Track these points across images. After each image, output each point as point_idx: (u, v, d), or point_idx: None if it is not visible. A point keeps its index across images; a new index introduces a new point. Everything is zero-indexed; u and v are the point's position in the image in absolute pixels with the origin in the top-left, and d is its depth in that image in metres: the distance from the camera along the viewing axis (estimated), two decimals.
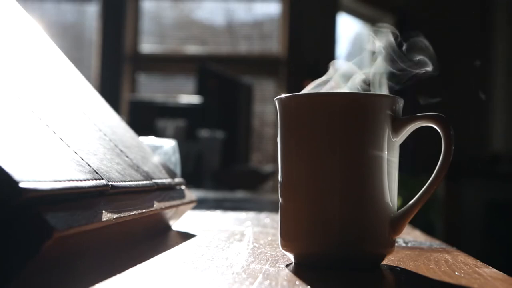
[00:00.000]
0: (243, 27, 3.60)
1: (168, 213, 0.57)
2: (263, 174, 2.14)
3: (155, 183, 0.53)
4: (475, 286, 0.35)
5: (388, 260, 0.43)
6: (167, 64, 3.56)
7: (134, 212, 0.43)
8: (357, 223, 0.39)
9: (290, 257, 0.42)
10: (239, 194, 1.55)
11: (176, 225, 0.63)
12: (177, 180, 0.63)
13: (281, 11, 3.51)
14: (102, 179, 0.40)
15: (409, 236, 0.60)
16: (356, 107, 0.40)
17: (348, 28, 3.66)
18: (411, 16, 3.43)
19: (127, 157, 0.52)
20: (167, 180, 0.58)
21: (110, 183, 0.41)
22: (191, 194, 0.65)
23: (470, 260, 0.44)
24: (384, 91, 0.43)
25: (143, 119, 2.32)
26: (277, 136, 0.43)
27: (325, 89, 0.44)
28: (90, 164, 0.40)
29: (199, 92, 2.46)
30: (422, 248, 0.51)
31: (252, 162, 3.06)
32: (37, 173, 0.31)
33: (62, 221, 0.31)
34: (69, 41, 3.55)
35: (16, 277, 0.29)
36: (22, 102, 0.39)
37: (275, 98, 0.43)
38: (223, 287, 0.32)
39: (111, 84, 3.41)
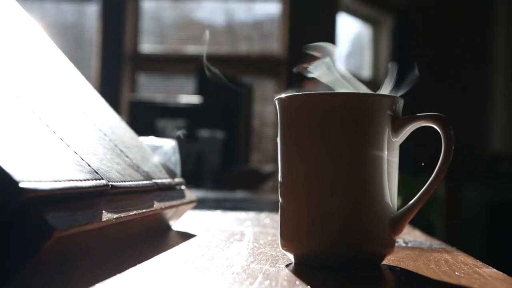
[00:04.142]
0: (243, 27, 3.60)
1: (168, 213, 0.57)
2: (263, 174, 2.14)
3: (155, 183, 0.53)
4: (475, 286, 0.35)
5: (388, 260, 0.43)
6: (167, 64, 3.56)
7: (134, 212, 0.43)
8: (357, 223, 0.39)
9: (290, 257, 0.42)
10: (239, 194, 1.55)
11: (176, 225, 0.63)
12: (177, 180, 0.63)
13: (281, 11, 3.51)
14: (102, 179, 0.40)
15: (409, 236, 0.60)
16: (356, 107, 0.40)
17: (348, 28, 3.66)
18: (411, 16, 3.44)
19: (127, 157, 0.52)
20: (167, 180, 0.58)
21: (110, 183, 0.41)
22: (191, 194, 0.65)
23: (470, 260, 0.44)
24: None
25: (143, 119, 2.32)
26: (277, 136, 0.43)
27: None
28: (90, 164, 0.40)
29: (199, 92, 2.45)
30: (422, 248, 0.51)
31: (252, 162, 3.06)
32: (37, 173, 0.31)
33: (62, 221, 0.31)
34: (69, 41, 3.55)
35: (16, 277, 0.29)
36: (22, 102, 0.39)
37: (275, 98, 0.43)
38: (223, 287, 0.32)
39: (111, 84, 3.41)
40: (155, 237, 0.53)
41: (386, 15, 3.55)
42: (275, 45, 3.54)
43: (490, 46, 3.44)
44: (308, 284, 0.34)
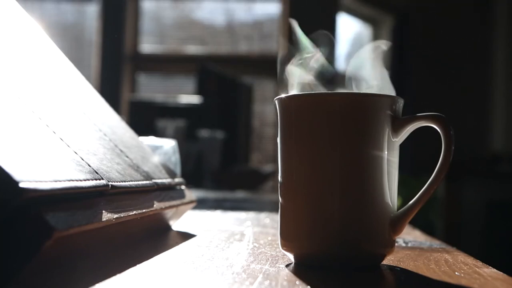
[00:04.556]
0: (243, 27, 3.60)
1: (168, 213, 0.57)
2: (263, 174, 2.14)
3: (155, 183, 0.53)
4: (475, 286, 0.35)
5: (388, 260, 0.43)
6: (167, 64, 3.56)
7: (134, 212, 0.43)
8: (357, 223, 0.39)
9: (290, 257, 0.42)
10: (239, 194, 1.55)
11: (176, 225, 0.63)
12: (177, 180, 0.63)
13: (281, 11, 3.51)
14: (102, 179, 0.40)
15: (409, 236, 0.60)
16: (356, 107, 0.40)
17: (348, 28, 3.66)
18: (411, 16, 3.43)
19: (127, 157, 0.52)
20: (167, 180, 0.58)
21: (110, 183, 0.41)
22: (191, 194, 0.65)
23: (470, 260, 0.44)
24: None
25: (143, 119, 2.32)
26: (277, 136, 0.43)
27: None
28: (90, 164, 0.40)
29: (199, 92, 2.45)
30: (422, 248, 0.51)
31: (252, 162, 3.06)
32: (37, 173, 0.31)
33: (62, 221, 0.31)
34: (69, 41, 3.55)
35: (16, 277, 0.29)
36: (22, 102, 0.39)
37: (275, 98, 0.43)
38: (223, 287, 0.32)
39: (111, 84, 3.41)
40: (155, 237, 0.53)
41: (386, 15, 3.55)
42: (275, 45, 3.54)
43: (490, 46, 3.44)
44: (308, 284, 0.34)
